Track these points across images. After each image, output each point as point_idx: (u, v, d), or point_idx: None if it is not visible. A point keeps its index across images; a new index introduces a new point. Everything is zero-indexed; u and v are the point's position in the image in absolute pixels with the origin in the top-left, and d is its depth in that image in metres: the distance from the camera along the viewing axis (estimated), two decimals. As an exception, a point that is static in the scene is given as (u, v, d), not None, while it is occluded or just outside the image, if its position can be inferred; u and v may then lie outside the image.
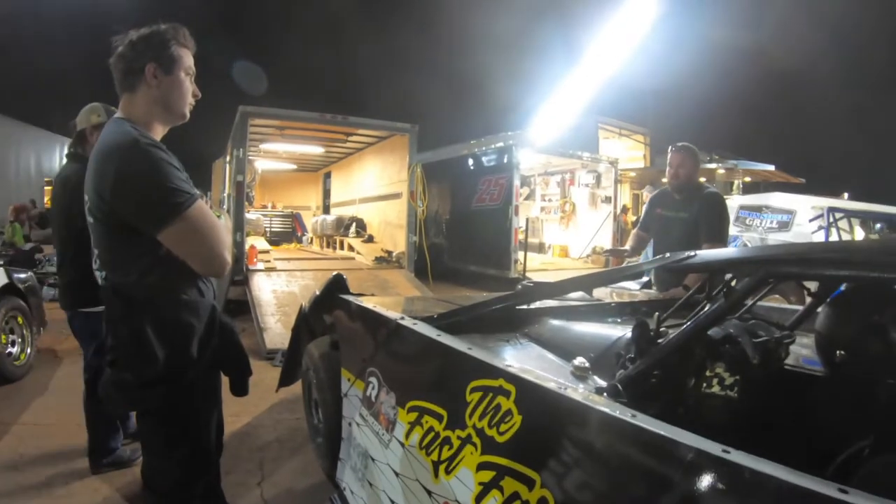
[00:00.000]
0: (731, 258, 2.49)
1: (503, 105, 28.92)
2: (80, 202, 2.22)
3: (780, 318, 2.61)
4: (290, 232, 17.70)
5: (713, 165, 20.05)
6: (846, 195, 20.55)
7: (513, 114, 23.26)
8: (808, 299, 2.58)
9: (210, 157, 16.71)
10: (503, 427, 1.86)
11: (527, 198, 17.09)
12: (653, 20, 14.83)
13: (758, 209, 11.18)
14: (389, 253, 11.80)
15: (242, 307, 8.80)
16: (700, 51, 29.75)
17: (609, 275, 3.57)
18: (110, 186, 1.97)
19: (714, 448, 1.36)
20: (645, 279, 5.90)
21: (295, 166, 17.81)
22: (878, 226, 10.66)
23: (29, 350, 6.18)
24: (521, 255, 12.24)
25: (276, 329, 7.53)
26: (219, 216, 2.18)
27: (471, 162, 14.08)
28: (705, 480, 1.36)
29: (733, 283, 2.14)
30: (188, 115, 2.34)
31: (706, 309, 2.12)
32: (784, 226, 10.53)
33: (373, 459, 2.63)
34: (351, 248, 13.44)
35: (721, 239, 4.65)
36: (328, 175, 18.36)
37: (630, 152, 28.59)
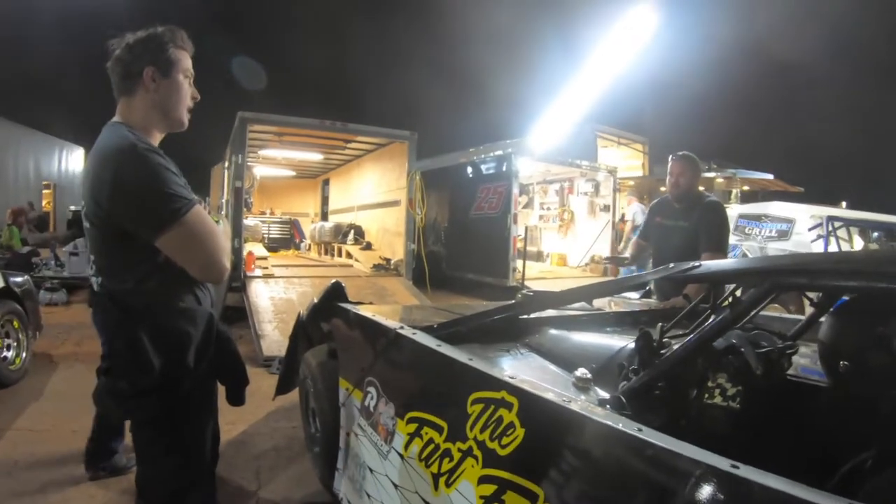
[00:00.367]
0: (736, 269, 2.47)
1: (502, 113, 28.99)
2: None
3: (781, 328, 2.59)
4: (288, 238, 17.70)
5: (712, 174, 20.03)
6: (844, 204, 20.56)
7: (512, 122, 23.32)
8: (809, 309, 2.56)
9: (208, 163, 16.71)
10: (505, 440, 1.82)
11: (525, 206, 17.08)
12: (652, 29, 14.86)
13: (757, 218, 11.17)
14: (388, 260, 11.77)
15: (240, 314, 8.78)
16: (699, 60, 29.86)
17: (612, 285, 3.54)
18: (107, 192, 1.95)
19: (722, 463, 1.34)
20: (643, 290, 5.89)
21: (294, 173, 17.82)
22: (875, 234, 10.66)
23: (24, 354, 6.14)
24: (519, 263, 12.21)
25: (274, 336, 7.50)
26: (217, 222, 2.16)
27: (469, 170, 14.08)
28: (713, 496, 1.33)
29: (738, 294, 2.12)
30: (187, 118, 2.32)
31: (711, 320, 2.09)
32: (783, 235, 10.52)
33: (371, 470, 2.60)
34: (349, 256, 13.41)
35: (721, 248, 4.64)
36: (327, 182, 18.36)
37: (628, 161, 28.54)
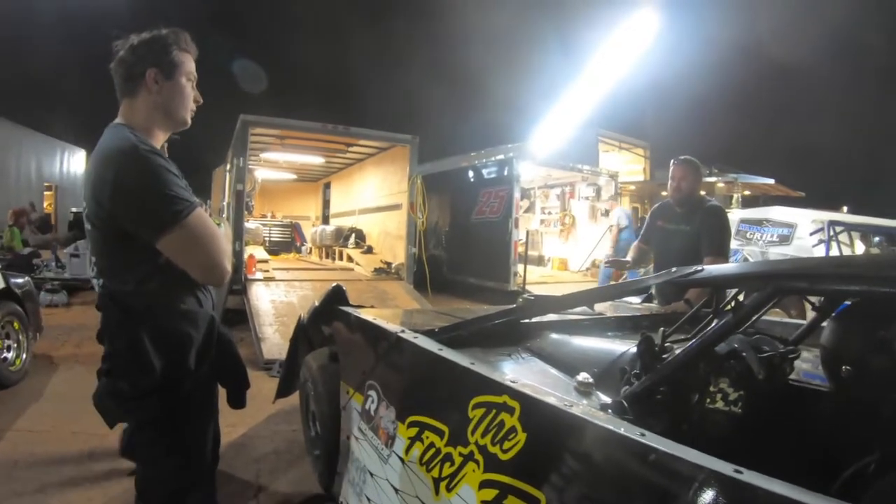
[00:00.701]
0: (739, 273, 2.46)
1: (504, 117, 29.02)
2: None
3: (782, 333, 2.58)
4: (289, 242, 17.66)
5: (713, 179, 20.06)
6: (845, 209, 20.57)
7: (513, 126, 23.34)
8: (811, 313, 2.55)
9: (210, 165, 16.71)
10: (507, 444, 1.82)
11: (526, 210, 17.08)
12: (653, 34, 14.87)
13: (758, 223, 11.19)
14: (388, 264, 11.77)
15: (240, 316, 8.77)
16: (700, 64, 29.89)
17: (613, 290, 3.54)
18: (109, 193, 1.94)
19: (726, 468, 1.33)
20: (644, 294, 5.88)
21: (295, 176, 17.81)
22: (876, 239, 10.66)
23: (25, 356, 6.14)
24: (520, 267, 12.21)
25: (274, 339, 7.49)
26: (219, 224, 2.15)
27: (471, 174, 14.09)
28: (717, 501, 1.32)
29: (741, 298, 2.11)
30: (189, 121, 2.31)
31: (714, 324, 2.09)
32: (785, 239, 10.54)
33: (371, 474, 2.59)
34: (350, 259, 13.40)
35: (722, 252, 4.64)
36: (328, 185, 18.36)
37: (630, 166, 28.62)
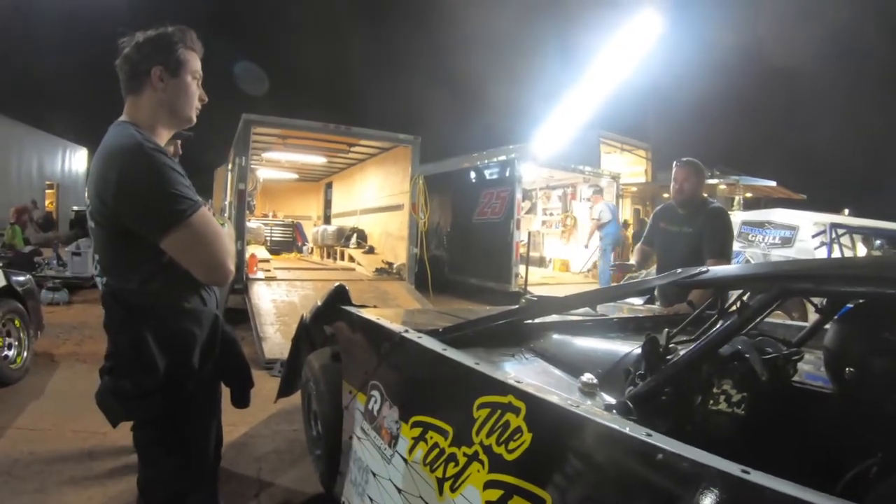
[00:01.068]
0: (744, 274, 2.45)
1: (506, 118, 29.01)
2: None
3: (785, 335, 2.58)
4: (290, 241, 17.66)
5: (715, 181, 20.02)
6: (846, 211, 20.55)
7: (515, 127, 23.33)
8: (813, 315, 2.55)
9: (212, 165, 16.72)
10: (512, 445, 1.81)
11: (528, 211, 17.07)
12: (655, 36, 14.88)
13: (760, 225, 11.16)
14: (390, 264, 11.77)
15: (241, 316, 8.77)
16: (702, 66, 29.86)
17: (617, 290, 3.53)
18: (112, 191, 1.93)
19: (733, 468, 1.33)
20: (647, 295, 5.88)
21: (296, 176, 17.85)
22: (878, 242, 10.64)
23: (25, 353, 6.15)
24: (522, 268, 12.21)
25: (276, 339, 7.50)
26: (222, 224, 2.14)
27: (473, 175, 14.09)
28: (724, 502, 1.32)
29: (745, 299, 2.10)
30: (195, 119, 2.30)
31: (719, 325, 2.08)
32: (787, 241, 10.51)
33: (374, 474, 2.58)
34: (351, 259, 13.41)
35: (725, 254, 4.63)
36: (329, 185, 18.38)
37: (631, 167, 28.58)
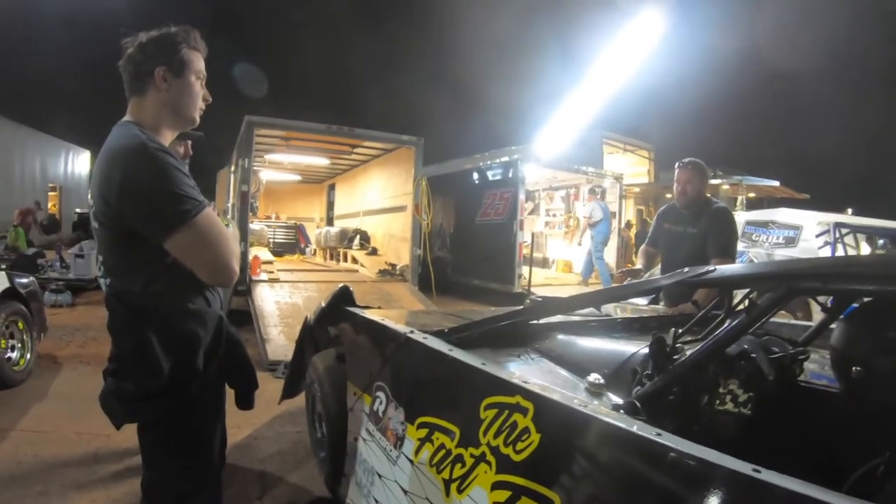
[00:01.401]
0: (752, 273, 2.44)
1: (508, 119, 29.02)
2: None
3: (790, 334, 2.57)
4: (293, 243, 17.66)
5: (718, 181, 20.02)
6: (850, 210, 20.53)
7: (518, 128, 23.34)
8: (818, 315, 2.54)
9: (215, 167, 16.73)
10: (520, 445, 1.79)
11: (531, 212, 17.06)
12: (658, 36, 14.86)
13: (764, 225, 11.17)
14: (393, 266, 11.77)
15: (244, 317, 8.76)
16: (704, 67, 29.86)
17: (622, 290, 3.52)
18: (116, 191, 1.92)
19: (744, 467, 1.31)
20: (651, 295, 5.87)
21: (299, 177, 17.87)
22: (881, 241, 10.63)
23: (29, 355, 6.14)
24: (525, 269, 12.20)
25: (279, 340, 7.49)
26: (227, 225, 2.13)
27: (476, 176, 14.11)
28: (735, 501, 1.32)
29: (753, 298, 2.09)
30: (198, 119, 2.29)
31: (726, 325, 2.07)
32: (790, 241, 10.52)
33: (379, 476, 2.57)
34: (354, 261, 13.41)
35: (729, 254, 4.62)
36: (332, 187, 18.40)
37: (634, 168, 28.59)
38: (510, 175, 12.78)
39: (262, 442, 4.67)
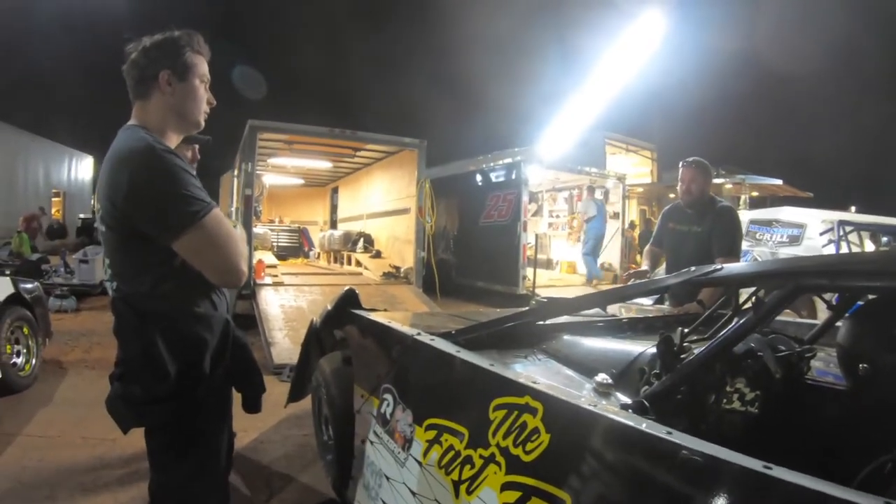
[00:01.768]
0: (759, 271, 2.44)
1: (511, 121, 29.03)
2: None
3: (796, 332, 2.57)
4: (297, 247, 17.67)
5: (721, 180, 19.96)
6: (853, 208, 20.48)
7: (521, 130, 23.35)
8: (822, 314, 2.54)
9: (217, 171, 16.75)
10: (529, 446, 1.79)
11: (534, 214, 17.07)
12: (660, 37, 14.88)
13: (768, 223, 11.16)
14: (397, 268, 11.75)
15: (249, 321, 8.76)
16: (706, 66, 29.84)
17: (629, 290, 3.51)
18: (124, 193, 1.92)
19: (755, 464, 1.31)
20: (657, 295, 5.87)
21: (302, 181, 17.87)
22: (885, 239, 10.62)
23: (34, 361, 6.14)
24: (529, 271, 12.20)
25: (284, 344, 7.49)
26: (234, 226, 2.13)
27: (479, 178, 14.13)
28: (747, 498, 1.32)
29: (759, 296, 2.09)
30: (203, 123, 2.29)
31: (734, 323, 2.07)
32: (795, 240, 10.51)
33: (387, 478, 2.56)
34: (358, 264, 13.38)
35: (734, 253, 4.63)
36: (335, 190, 18.41)
37: (637, 168, 28.54)
38: (513, 177, 12.79)
39: (269, 445, 4.67)
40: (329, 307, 3.86)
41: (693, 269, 2.51)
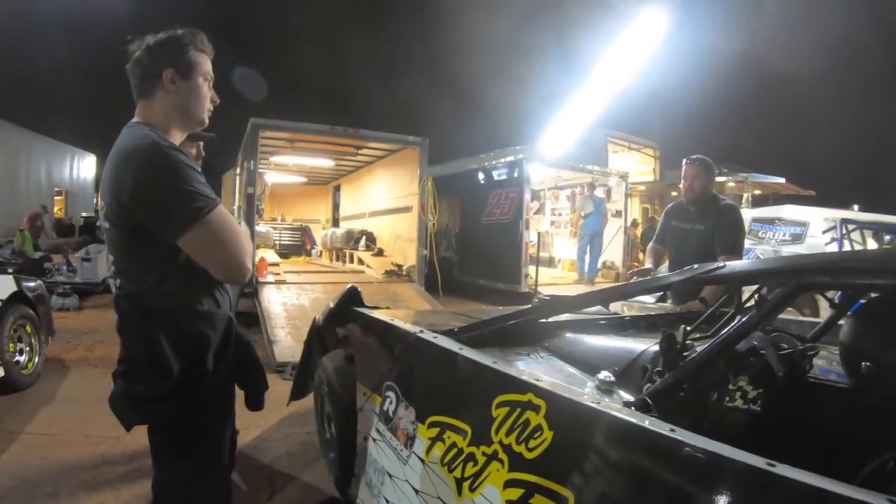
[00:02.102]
0: (762, 269, 2.44)
1: (513, 119, 28.99)
2: None
3: (798, 331, 2.57)
4: (299, 245, 17.69)
5: (723, 178, 19.95)
6: (856, 207, 20.47)
7: (523, 128, 23.31)
8: (825, 312, 2.54)
9: (219, 170, 16.76)
10: (532, 443, 1.79)
11: (537, 212, 17.07)
12: (662, 34, 14.86)
13: (771, 221, 11.17)
14: (399, 266, 11.76)
15: (251, 319, 8.76)
16: (709, 64, 29.79)
17: (632, 287, 3.51)
18: (129, 190, 1.92)
19: (759, 461, 1.31)
20: (659, 293, 5.88)
21: (305, 179, 17.89)
22: (888, 237, 10.61)
23: (37, 359, 6.16)
24: (531, 269, 12.20)
25: (287, 342, 7.49)
26: (239, 223, 2.13)
27: (481, 176, 14.13)
28: (751, 495, 1.32)
29: (762, 294, 2.09)
30: (207, 120, 2.29)
31: (736, 321, 2.07)
32: (797, 238, 10.51)
33: (390, 475, 2.56)
34: (360, 262, 13.42)
35: (737, 251, 4.62)
36: (338, 188, 18.44)
37: (639, 166, 28.56)
38: (515, 175, 12.78)
39: (271, 443, 4.67)
40: (331, 305, 3.86)
41: (696, 266, 2.51)
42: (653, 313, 3.97)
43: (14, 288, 5.98)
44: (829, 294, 2.62)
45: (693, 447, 1.41)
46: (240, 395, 2.46)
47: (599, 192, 15.00)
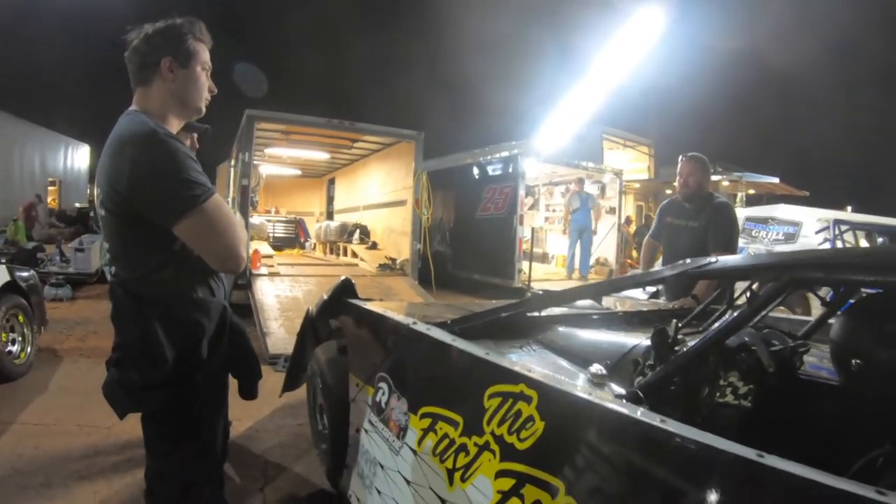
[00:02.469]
0: (754, 264, 2.45)
1: (508, 115, 28.99)
2: None
3: (789, 329, 2.58)
4: (293, 237, 17.67)
5: (717, 177, 19.99)
6: (849, 208, 20.53)
7: (518, 123, 23.33)
8: (816, 310, 2.55)
9: (214, 161, 16.72)
10: (524, 433, 1.80)
11: (531, 207, 17.06)
12: (658, 32, 14.87)
13: (764, 221, 11.19)
14: (393, 260, 11.75)
15: (245, 311, 8.75)
16: (705, 63, 29.83)
17: (625, 281, 3.52)
18: (126, 177, 1.92)
19: (748, 452, 1.33)
20: (652, 289, 5.90)
21: (299, 172, 17.88)
22: (880, 239, 10.65)
23: (29, 349, 6.13)
24: (525, 264, 12.21)
25: (280, 334, 7.48)
26: (234, 212, 2.14)
27: (476, 171, 14.11)
28: (740, 485, 1.34)
29: (754, 289, 2.10)
30: (204, 109, 2.29)
31: (728, 315, 2.08)
32: (790, 238, 10.54)
33: (382, 466, 2.57)
34: (354, 255, 13.39)
35: (730, 248, 4.64)
36: (332, 181, 18.42)
37: (634, 164, 28.55)
38: (510, 170, 12.78)
39: (264, 434, 4.68)
40: (325, 296, 3.86)
41: (688, 261, 2.52)
42: (645, 309, 3.98)
43: (7, 277, 5.95)
44: (821, 292, 2.64)
45: (683, 438, 1.42)
46: (233, 384, 2.47)
47: (590, 188, 14.99)
